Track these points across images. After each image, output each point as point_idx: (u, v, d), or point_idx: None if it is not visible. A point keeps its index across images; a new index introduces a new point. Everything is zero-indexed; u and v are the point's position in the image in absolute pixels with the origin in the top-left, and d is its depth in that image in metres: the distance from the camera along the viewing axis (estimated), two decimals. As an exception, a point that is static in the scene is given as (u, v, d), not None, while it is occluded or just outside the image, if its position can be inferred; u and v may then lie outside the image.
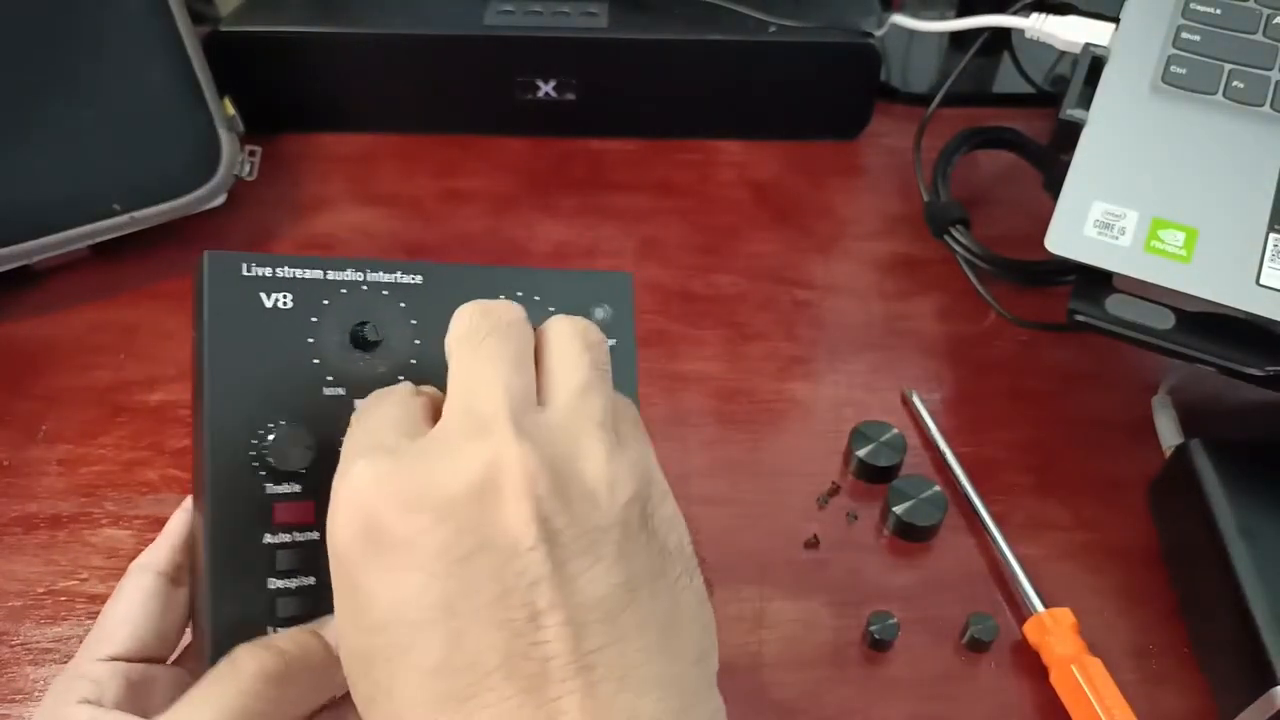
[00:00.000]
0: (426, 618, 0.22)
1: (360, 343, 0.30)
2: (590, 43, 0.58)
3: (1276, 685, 0.34)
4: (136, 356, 0.50)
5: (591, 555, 0.23)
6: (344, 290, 0.30)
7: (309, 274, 0.30)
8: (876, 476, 0.45)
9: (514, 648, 0.22)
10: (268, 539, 0.28)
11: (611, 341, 0.34)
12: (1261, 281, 0.39)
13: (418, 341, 0.31)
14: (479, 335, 0.26)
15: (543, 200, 0.58)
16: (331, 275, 0.30)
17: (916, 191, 0.56)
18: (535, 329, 0.27)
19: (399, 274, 0.31)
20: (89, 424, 0.47)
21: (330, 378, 0.30)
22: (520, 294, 0.33)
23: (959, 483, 0.45)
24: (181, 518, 0.31)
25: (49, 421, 0.47)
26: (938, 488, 0.43)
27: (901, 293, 0.54)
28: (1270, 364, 0.39)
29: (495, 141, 0.61)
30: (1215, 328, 0.39)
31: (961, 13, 0.62)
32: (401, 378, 0.31)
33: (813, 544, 0.43)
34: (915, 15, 0.59)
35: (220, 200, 0.54)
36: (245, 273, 0.29)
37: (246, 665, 0.26)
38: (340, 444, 0.29)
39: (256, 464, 0.28)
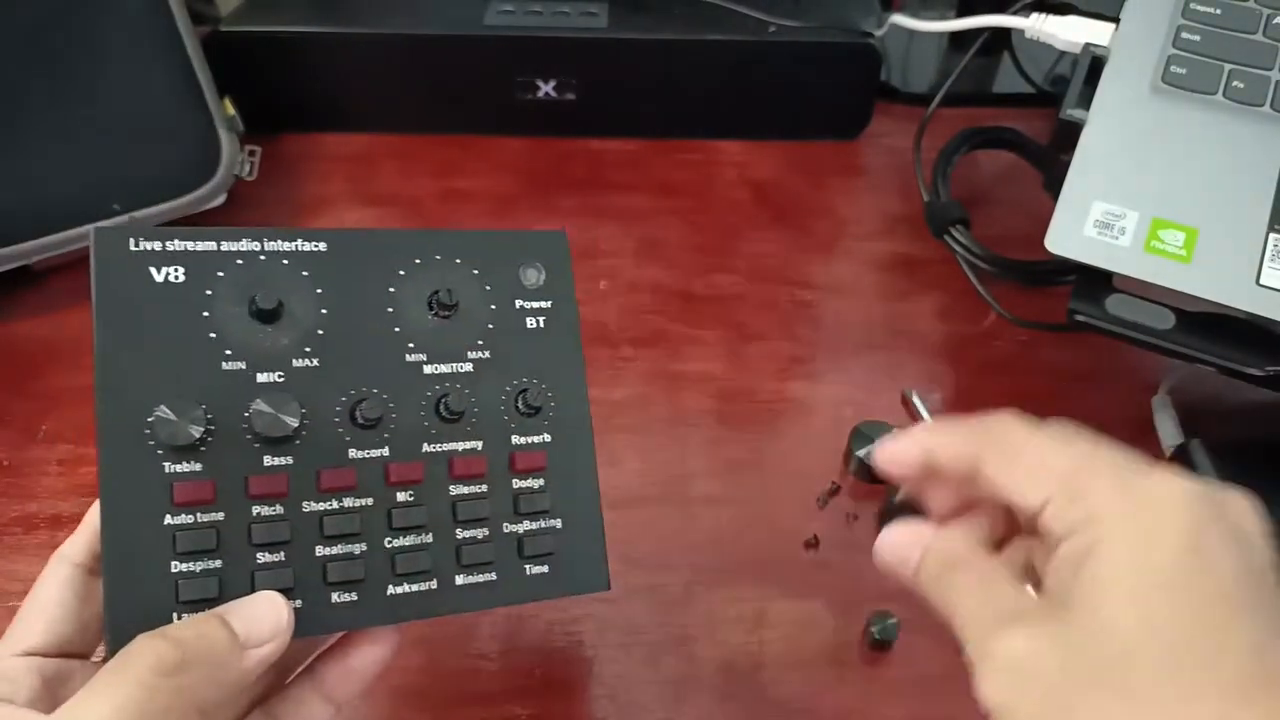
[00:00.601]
0: (1246, 603, 0.23)
1: (259, 314, 0.29)
2: (590, 43, 0.58)
3: (1276, 685, 0.34)
4: (137, 356, 0.50)
5: None
6: (240, 261, 0.29)
7: (201, 246, 0.29)
8: (876, 476, 0.45)
9: None
10: (168, 520, 0.27)
11: (546, 303, 0.33)
12: (1261, 281, 0.39)
13: (324, 310, 0.30)
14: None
15: (543, 200, 0.58)
16: (226, 246, 0.29)
17: (916, 191, 0.56)
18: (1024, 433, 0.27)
19: (299, 242, 0.30)
20: (89, 424, 0.46)
21: (229, 351, 0.29)
22: (438, 257, 0.32)
23: (959, 483, 0.45)
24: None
25: (49, 421, 0.47)
26: (938, 488, 0.43)
27: (901, 293, 0.54)
28: (1270, 364, 0.39)
29: (495, 141, 0.62)
30: (1215, 328, 0.39)
31: (961, 13, 0.62)
32: (308, 348, 0.30)
33: (813, 544, 0.43)
34: (915, 15, 0.59)
35: (220, 200, 0.54)
36: (133, 247, 0.28)
37: (142, 656, 0.25)
38: (244, 418, 0.28)
39: (153, 443, 0.28)
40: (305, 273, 0.30)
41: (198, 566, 0.28)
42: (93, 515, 0.30)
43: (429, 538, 0.30)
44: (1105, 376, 0.50)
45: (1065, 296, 0.41)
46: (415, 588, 0.30)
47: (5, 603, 0.41)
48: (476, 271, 0.32)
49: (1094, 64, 0.46)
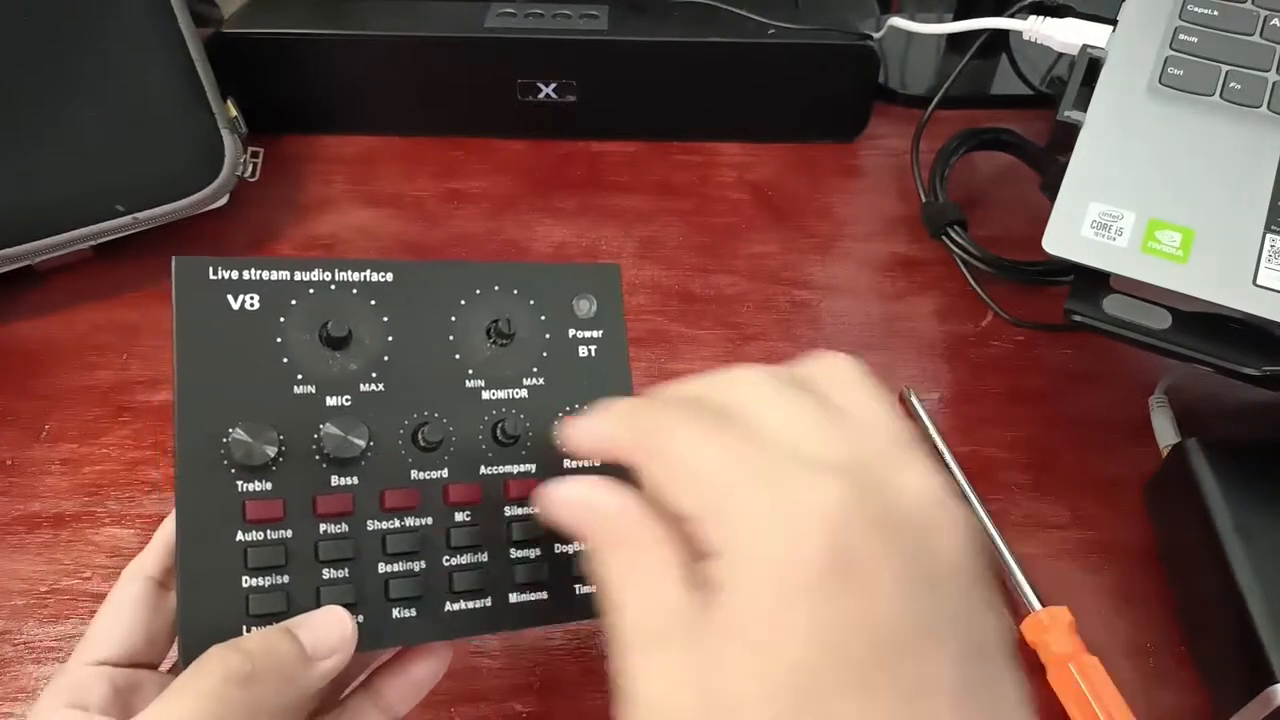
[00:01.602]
0: (900, 642, 0.21)
1: (330, 341, 0.30)
2: (591, 45, 0.58)
3: (1273, 683, 0.35)
4: (139, 356, 0.50)
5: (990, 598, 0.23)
6: (311, 290, 0.31)
7: (276, 275, 0.30)
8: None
9: (975, 677, 0.21)
10: (240, 536, 0.28)
11: (598, 333, 0.34)
12: (1258, 282, 0.39)
13: (390, 338, 0.31)
14: (823, 396, 0.25)
15: (543, 201, 0.59)
16: (299, 276, 0.31)
17: (915, 193, 0.57)
18: (793, 373, 0.26)
19: (368, 272, 0.32)
20: (92, 424, 0.47)
21: (300, 376, 0.30)
22: (497, 288, 0.33)
23: (957, 482, 0.45)
24: (173, 523, 0.31)
25: (52, 421, 0.47)
26: (936, 487, 0.44)
27: (900, 293, 0.54)
28: (1267, 364, 0.39)
29: (496, 143, 0.62)
30: (1212, 328, 0.39)
31: (959, 15, 0.62)
32: (374, 374, 0.31)
33: (812, 543, 0.43)
34: (913, 17, 0.60)
35: (223, 201, 0.54)
36: (212, 276, 0.30)
37: (213, 668, 0.26)
38: (313, 440, 0.29)
39: (226, 462, 0.29)
40: (373, 302, 0.31)
41: (267, 581, 0.29)
42: (163, 531, 0.31)
43: (484, 557, 0.31)
44: (1102, 376, 0.50)
45: (1062, 297, 0.41)
46: (471, 605, 0.31)
47: (6, 602, 0.41)
48: (533, 302, 0.34)
49: (1091, 65, 0.46)
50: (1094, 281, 0.41)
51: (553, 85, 0.60)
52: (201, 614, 0.28)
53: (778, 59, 0.59)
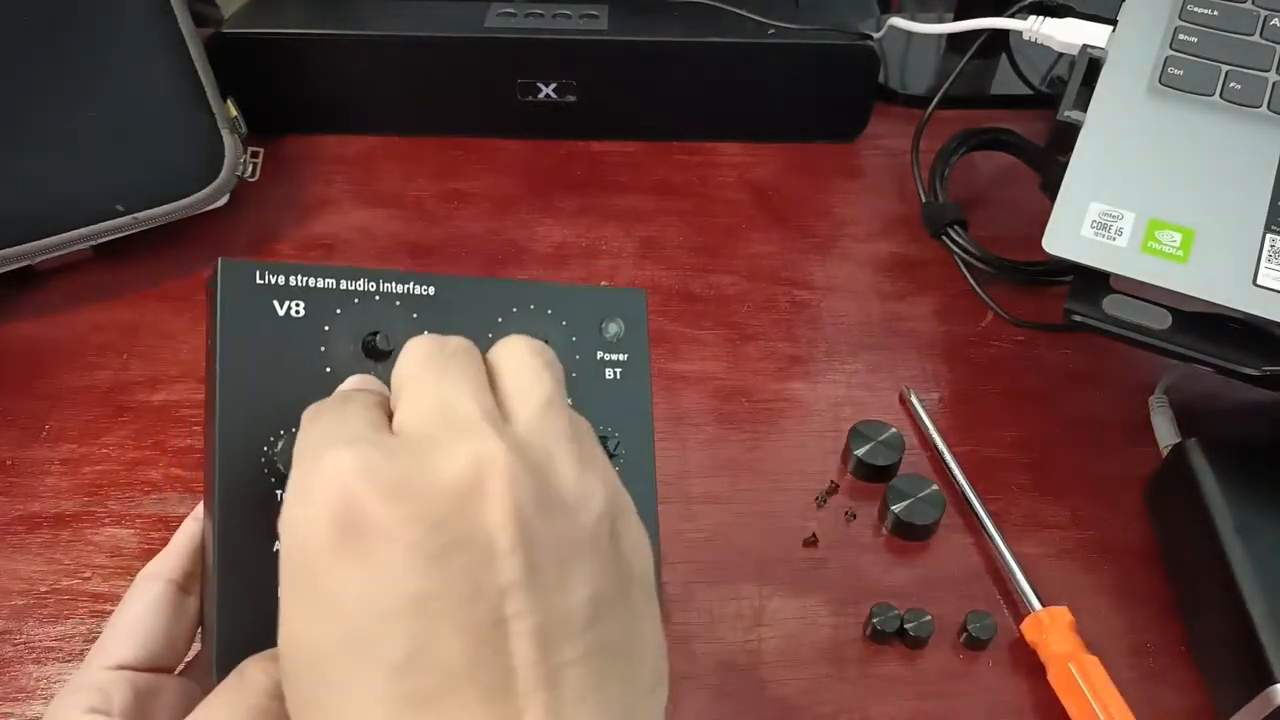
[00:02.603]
0: (398, 610, 0.21)
1: (372, 352, 0.30)
2: (591, 45, 0.58)
3: (1273, 683, 0.35)
4: (139, 356, 0.50)
5: (565, 566, 0.23)
6: (356, 300, 0.30)
7: (322, 283, 0.30)
8: (875, 475, 0.45)
9: (481, 654, 0.21)
10: (278, 547, 0.27)
11: (624, 356, 0.34)
12: (1258, 282, 0.39)
13: None
14: (442, 359, 0.26)
15: (543, 202, 0.59)
16: (345, 285, 0.30)
17: (914, 193, 0.57)
18: (485, 355, 0.27)
19: (412, 285, 0.31)
20: (92, 424, 0.47)
21: None
22: (533, 307, 0.33)
23: (957, 482, 0.45)
24: (192, 526, 0.31)
25: (52, 421, 0.47)
26: (936, 487, 0.44)
27: (900, 293, 0.54)
28: (1267, 364, 0.39)
29: (496, 143, 0.62)
30: (1212, 328, 0.40)
31: (959, 15, 0.62)
32: None
33: (811, 543, 0.43)
34: (913, 17, 0.60)
35: (223, 201, 0.54)
36: (259, 280, 0.29)
37: (255, 679, 0.25)
38: None
39: (267, 471, 0.28)
40: (415, 315, 0.31)
41: None
42: (183, 533, 0.31)
43: None
44: (1102, 376, 0.50)
45: (1062, 297, 0.41)
46: None
47: (6, 601, 0.41)
48: (565, 323, 0.34)
49: (1091, 65, 0.46)
50: (1094, 281, 0.41)
51: (553, 85, 0.60)
52: (239, 625, 0.27)
53: (778, 59, 0.59)
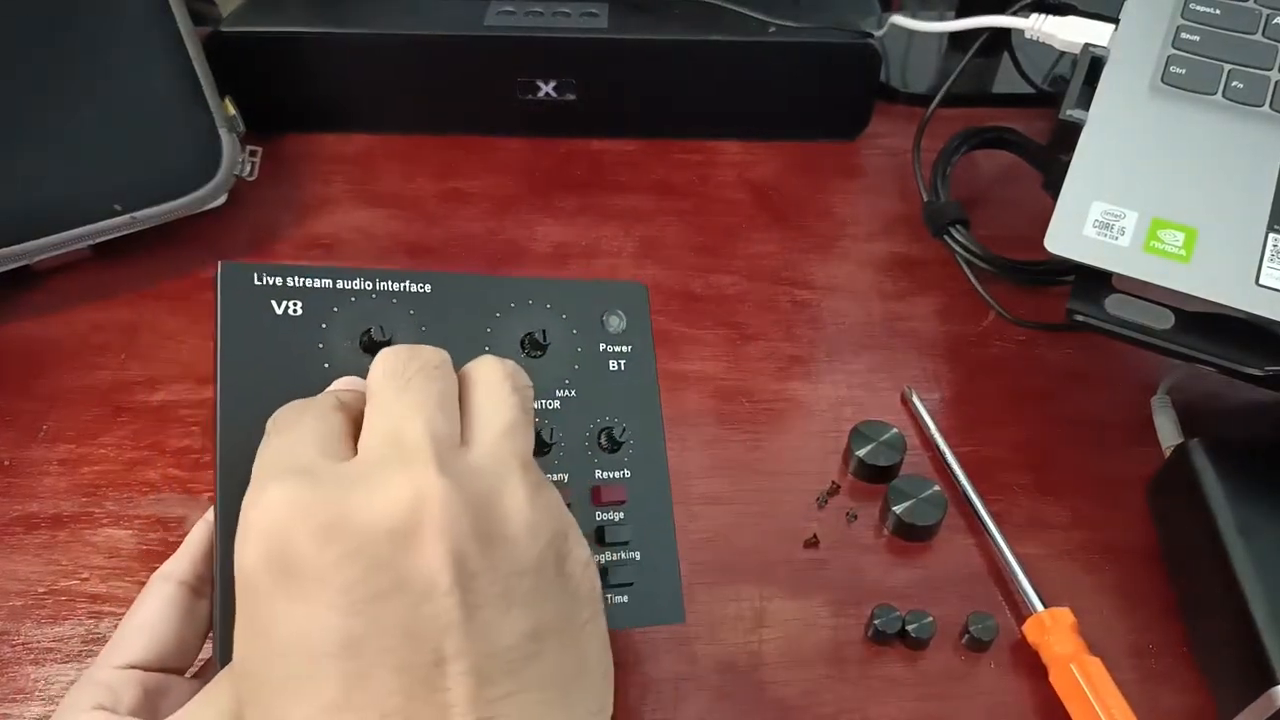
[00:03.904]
0: (329, 653, 0.22)
1: (369, 348, 0.31)
2: (591, 43, 0.58)
3: (1275, 685, 0.34)
4: (137, 356, 0.50)
5: (505, 602, 0.23)
6: (353, 299, 0.31)
7: (319, 283, 0.31)
8: (876, 476, 0.45)
9: (415, 693, 0.21)
10: None
11: (627, 348, 0.35)
12: (1261, 281, 0.39)
13: None
14: (405, 375, 0.26)
15: (543, 201, 0.58)
16: (341, 284, 0.31)
17: (916, 192, 0.56)
18: (460, 371, 0.28)
19: (408, 283, 0.32)
20: (90, 424, 0.47)
21: None
22: (530, 302, 0.34)
23: (958, 482, 0.45)
24: (204, 528, 0.31)
25: (50, 421, 0.47)
26: (937, 487, 0.44)
27: (901, 293, 0.54)
28: (1269, 364, 0.39)
29: (496, 142, 0.62)
30: (1214, 328, 0.39)
31: (961, 13, 0.62)
32: None
33: (812, 543, 0.43)
34: (915, 16, 0.59)
35: (221, 200, 0.54)
36: (257, 282, 0.30)
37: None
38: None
39: None
40: (411, 311, 0.32)
41: None
42: (195, 535, 0.31)
43: None
44: (1104, 376, 0.50)
45: (1064, 296, 0.41)
46: None
47: (5, 602, 0.41)
48: (565, 317, 0.34)
49: (1093, 64, 0.46)
50: (1096, 281, 0.41)
51: (552, 84, 0.59)
52: None
53: (778, 57, 0.59)
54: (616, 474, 0.34)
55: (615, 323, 0.35)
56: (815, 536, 0.43)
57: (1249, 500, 0.39)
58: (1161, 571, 0.42)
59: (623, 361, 0.35)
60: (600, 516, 0.33)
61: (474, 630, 0.22)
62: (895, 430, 0.46)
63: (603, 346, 0.35)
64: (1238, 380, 0.40)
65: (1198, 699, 0.39)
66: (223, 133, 0.53)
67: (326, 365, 0.30)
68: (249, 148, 0.55)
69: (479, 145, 0.61)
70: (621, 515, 0.33)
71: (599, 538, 0.33)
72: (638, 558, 0.33)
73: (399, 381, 0.26)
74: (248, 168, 0.55)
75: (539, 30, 0.58)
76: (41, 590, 0.41)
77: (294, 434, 0.26)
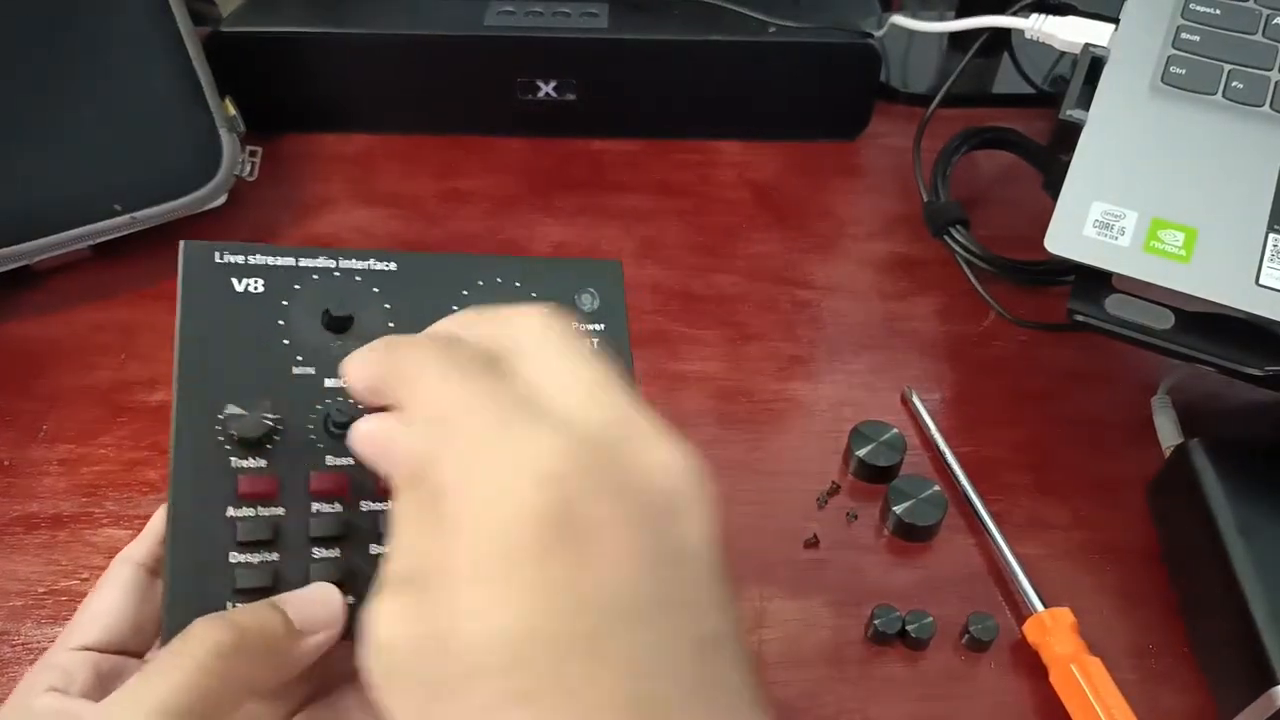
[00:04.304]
0: (626, 611, 0.20)
1: (331, 324, 0.31)
2: (591, 43, 0.58)
3: (1276, 685, 0.34)
4: (137, 356, 0.50)
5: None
6: (316, 276, 0.31)
7: (281, 261, 0.31)
8: (876, 476, 0.45)
9: (704, 671, 0.21)
10: (230, 512, 0.29)
11: (600, 326, 0.34)
12: (1261, 281, 0.39)
13: (391, 325, 0.32)
14: (567, 334, 0.25)
15: (543, 201, 0.58)
16: (304, 262, 0.31)
17: (916, 192, 0.56)
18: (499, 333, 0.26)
19: (373, 261, 0.32)
20: (90, 424, 0.47)
21: (300, 357, 0.30)
22: (499, 280, 0.33)
23: (958, 482, 0.45)
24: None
25: (50, 421, 0.47)
26: (937, 487, 0.44)
27: (901, 293, 0.54)
28: (1270, 364, 0.39)
29: (496, 142, 0.62)
30: (1215, 328, 0.39)
31: (961, 13, 0.62)
32: None
33: (813, 544, 0.43)
34: (915, 16, 0.59)
35: (221, 200, 0.54)
36: (218, 260, 0.30)
37: (201, 639, 0.25)
38: (310, 421, 0.29)
39: (222, 439, 0.29)
40: (376, 289, 0.32)
41: (256, 558, 0.28)
42: (157, 519, 0.31)
43: None
44: (1104, 376, 0.50)
45: (1065, 296, 0.41)
46: None
47: (4, 602, 0.41)
48: (535, 295, 0.34)
49: (1093, 64, 0.46)
50: (1096, 281, 0.41)
51: (552, 84, 0.59)
52: (188, 588, 0.28)
53: (778, 57, 0.59)
54: None
55: (588, 301, 0.34)
56: (815, 536, 0.43)
57: (1249, 500, 0.39)
58: (1161, 571, 0.42)
59: (595, 340, 0.34)
60: None
61: (733, 612, 0.22)
62: (895, 430, 0.46)
63: (574, 325, 0.34)
64: (1238, 380, 0.40)
65: (1198, 699, 0.39)
66: (223, 133, 0.53)
67: (287, 342, 0.30)
68: (249, 148, 0.55)
69: (479, 145, 0.61)
70: None
71: None
72: None
73: (561, 338, 0.25)
74: (248, 168, 0.55)
75: (539, 30, 0.58)
76: (41, 590, 0.41)
77: (480, 379, 0.23)
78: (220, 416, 0.29)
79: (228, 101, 0.54)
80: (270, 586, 0.28)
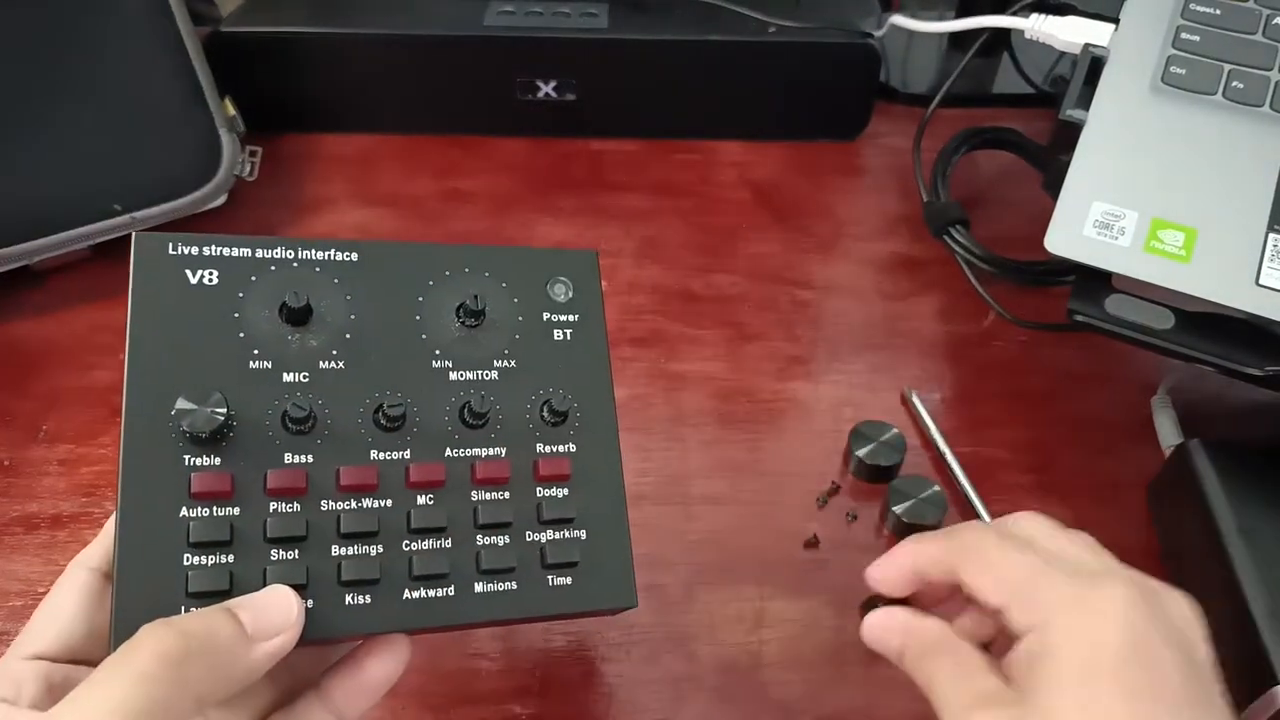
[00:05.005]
0: (1181, 706, 0.26)
1: (290, 317, 0.30)
2: (590, 43, 0.58)
3: (1276, 685, 0.34)
4: (137, 357, 0.50)
5: None
6: (274, 267, 0.30)
7: (237, 251, 0.30)
8: (876, 476, 0.45)
9: None
10: (183, 512, 0.28)
11: (574, 317, 0.34)
12: (1261, 281, 0.39)
13: (353, 316, 0.31)
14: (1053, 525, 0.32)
15: (543, 200, 0.58)
16: (261, 253, 0.31)
17: (916, 192, 0.56)
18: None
19: (333, 251, 0.31)
20: (90, 424, 0.47)
21: (256, 351, 0.30)
22: (467, 270, 0.33)
23: (958, 482, 0.45)
24: None
25: (50, 421, 0.47)
26: (937, 487, 0.44)
27: (901, 293, 0.54)
28: (1269, 364, 0.39)
29: (496, 142, 0.62)
30: (1215, 328, 0.39)
31: (961, 13, 0.62)
32: (335, 351, 0.31)
33: (813, 544, 0.43)
34: (915, 16, 0.59)
35: (221, 200, 0.54)
36: (171, 251, 0.30)
37: (147, 646, 0.25)
38: (267, 417, 0.29)
39: (174, 435, 0.28)
40: (336, 280, 0.31)
41: (209, 560, 0.28)
42: (112, 522, 0.30)
43: (448, 542, 0.30)
44: (1104, 377, 0.50)
45: (1065, 296, 0.41)
46: (432, 593, 0.30)
47: (5, 602, 0.41)
48: (505, 285, 0.33)
49: (1093, 64, 0.46)
50: (1096, 281, 0.41)
51: (552, 84, 0.59)
52: (137, 592, 0.27)
53: (779, 57, 0.59)
54: (560, 448, 0.32)
55: (561, 291, 0.34)
56: (815, 536, 0.43)
57: (1249, 501, 0.39)
58: (1161, 572, 0.42)
59: (568, 331, 0.34)
60: (541, 493, 0.32)
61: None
62: (895, 430, 0.46)
63: (546, 316, 0.33)
64: (1238, 380, 0.40)
65: (1198, 699, 0.39)
66: (223, 133, 0.53)
67: (242, 335, 0.30)
68: (249, 148, 0.55)
69: (478, 145, 0.61)
70: (565, 491, 0.32)
71: (538, 515, 0.32)
72: (583, 536, 0.32)
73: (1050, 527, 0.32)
74: (248, 168, 0.55)
75: (539, 30, 0.58)
76: (41, 590, 0.41)
77: (1060, 535, 0.31)
78: (171, 412, 0.28)
79: (227, 101, 0.54)
80: (225, 590, 0.27)
